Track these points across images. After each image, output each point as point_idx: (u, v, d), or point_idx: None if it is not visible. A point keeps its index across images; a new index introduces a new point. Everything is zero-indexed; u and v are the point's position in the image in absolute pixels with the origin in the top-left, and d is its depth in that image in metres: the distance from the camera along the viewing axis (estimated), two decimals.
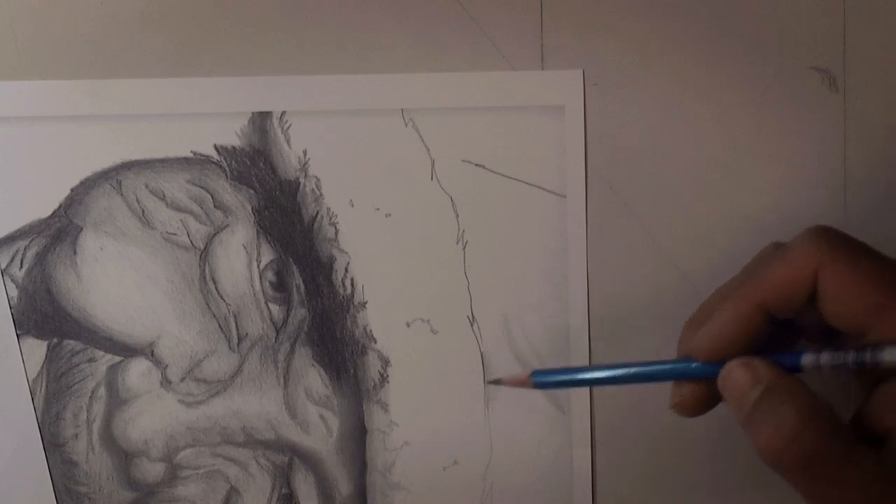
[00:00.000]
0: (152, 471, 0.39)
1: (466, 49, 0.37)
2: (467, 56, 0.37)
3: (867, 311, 0.28)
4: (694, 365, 0.32)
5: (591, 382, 0.36)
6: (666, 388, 0.40)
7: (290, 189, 0.39)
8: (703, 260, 0.39)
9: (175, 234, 0.39)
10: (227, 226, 0.39)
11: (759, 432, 0.29)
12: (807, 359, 0.30)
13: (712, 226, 0.39)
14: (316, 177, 0.39)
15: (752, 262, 0.33)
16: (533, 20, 0.37)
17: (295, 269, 0.39)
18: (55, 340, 0.39)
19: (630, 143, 0.38)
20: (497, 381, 0.36)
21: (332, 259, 0.39)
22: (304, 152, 0.39)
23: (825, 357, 0.30)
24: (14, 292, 0.39)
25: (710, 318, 0.31)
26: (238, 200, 0.39)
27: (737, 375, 0.30)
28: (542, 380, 0.35)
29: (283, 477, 0.39)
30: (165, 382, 0.39)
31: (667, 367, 0.33)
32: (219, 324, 0.39)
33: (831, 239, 0.30)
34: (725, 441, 0.40)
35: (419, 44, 0.37)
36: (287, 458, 0.39)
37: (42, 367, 0.39)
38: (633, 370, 0.34)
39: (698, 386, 0.32)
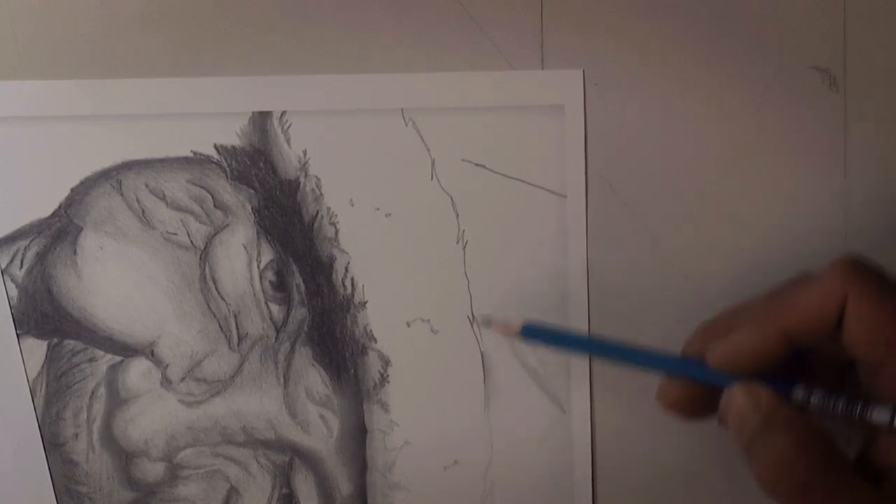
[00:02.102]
0: (152, 470, 0.39)
1: (466, 49, 0.37)
2: (467, 56, 0.37)
3: (888, 346, 0.29)
4: (703, 368, 0.32)
5: (583, 348, 0.37)
6: None
7: (290, 189, 0.39)
8: (704, 259, 0.39)
9: (175, 234, 0.39)
10: (227, 225, 0.39)
11: (756, 460, 0.29)
12: (798, 392, 0.31)
13: (712, 225, 0.39)
14: (316, 176, 0.39)
15: (780, 286, 0.33)
16: (533, 20, 0.37)
17: (295, 268, 0.39)
18: (55, 340, 0.39)
19: (630, 143, 0.38)
20: (487, 322, 0.37)
21: (332, 259, 0.39)
22: (304, 152, 0.39)
23: (816, 396, 0.30)
24: (14, 292, 0.39)
25: (732, 332, 0.31)
26: (238, 200, 0.39)
27: (739, 401, 0.31)
28: (532, 330, 0.35)
29: (284, 477, 0.39)
30: (166, 382, 0.39)
31: (670, 358, 0.33)
32: (219, 324, 0.39)
33: (862, 270, 0.30)
34: (725, 442, 0.40)
35: (419, 44, 0.37)
36: (287, 458, 0.39)
37: (42, 366, 0.39)
38: (634, 351, 0.34)
39: (692, 387, 0.33)
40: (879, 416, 0.28)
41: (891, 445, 0.29)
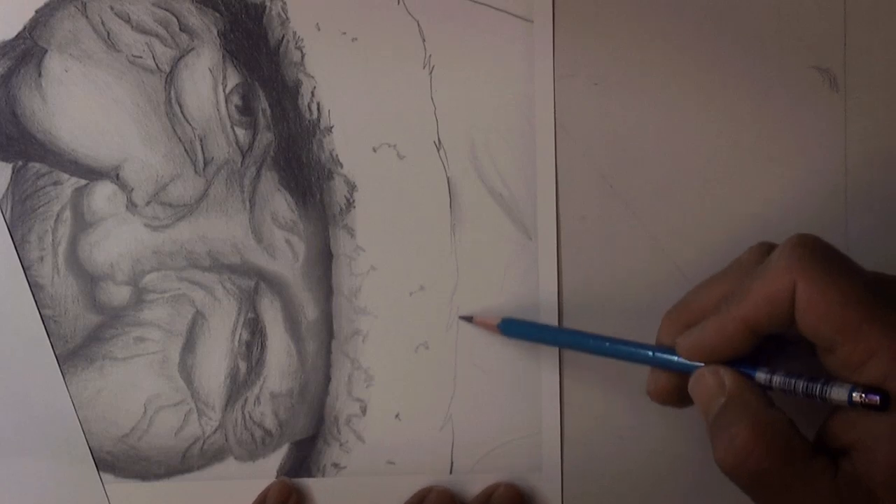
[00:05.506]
0: (118, 294, 0.39)
1: None
2: None
3: (836, 328, 0.28)
4: (675, 359, 0.32)
5: (563, 344, 0.38)
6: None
7: (256, 12, 0.39)
8: (704, 259, 0.39)
9: (140, 58, 0.39)
10: (192, 49, 0.39)
11: (716, 444, 0.29)
12: (760, 375, 0.31)
13: (713, 225, 0.39)
14: (282, 0, 0.39)
15: (738, 264, 0.33)
16: None
17: (261, 92, 0.39)
18: (20, 163, 0.39)
19: (630, 143, 0.39)
20: (468, 319, 0.38)
21: (298, 83, 0.39)
22: None
23: (777, 379, 0.30)
24: None
25: (698, 326, 0.31)
26: (203, 23, 0.39)
27: (705, 382, 0.31)
28: (511, 328, 0.37)
29: (249, 301, 0.39)
30: (131, 206, 0.39)
31: (648, 352, 0.33)
32: (184, 147, 0.39)
33: (808, 252, 0.29)
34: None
35: None
36: (253, 283, 0.39)
37: (7, 189, 0.39)
38: (612, 344, 0.35)
39: (674, 377, 0.33)
40: (837, 394, 0.29)
41: (848, 424, 0.29)
